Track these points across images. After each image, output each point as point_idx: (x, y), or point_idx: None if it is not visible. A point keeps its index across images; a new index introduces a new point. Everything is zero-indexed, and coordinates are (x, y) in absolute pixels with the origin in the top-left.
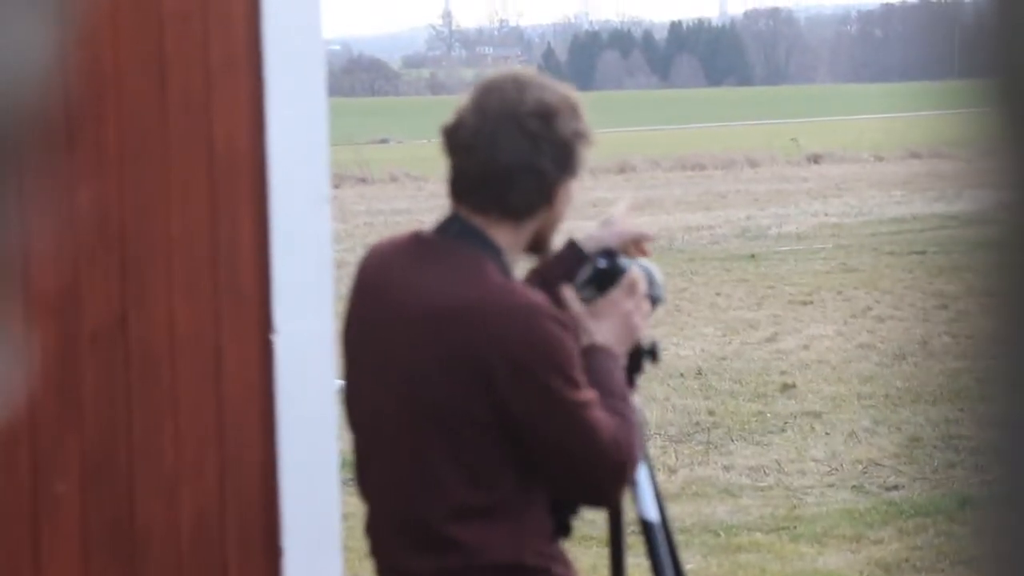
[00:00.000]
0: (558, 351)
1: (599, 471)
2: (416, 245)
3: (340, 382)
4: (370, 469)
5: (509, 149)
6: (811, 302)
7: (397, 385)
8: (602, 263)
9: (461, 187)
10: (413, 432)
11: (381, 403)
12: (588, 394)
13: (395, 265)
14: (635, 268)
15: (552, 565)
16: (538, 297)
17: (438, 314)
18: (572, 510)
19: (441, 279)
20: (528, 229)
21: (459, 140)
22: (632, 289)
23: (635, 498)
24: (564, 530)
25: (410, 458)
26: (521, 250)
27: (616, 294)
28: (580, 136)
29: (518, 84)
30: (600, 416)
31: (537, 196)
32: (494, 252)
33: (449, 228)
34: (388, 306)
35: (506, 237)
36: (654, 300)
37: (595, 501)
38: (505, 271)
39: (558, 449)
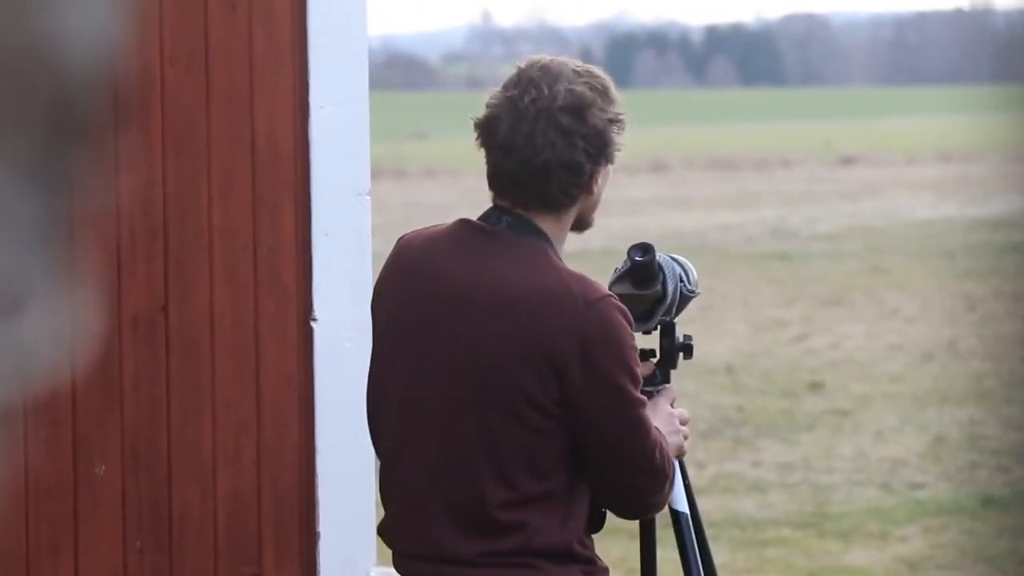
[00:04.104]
0: (626, 345)
1: (642, 472)
2: (468, 234)
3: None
4: (408, 454)
5: (546, 147)
6: (841, 302)
7: (459, 371)
8: (638, 257)
9: (501, 183)
10: (476, 418)
11: (432, 388)
12: (643, 395)
13: (446, 252)
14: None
15: (595, 557)
16: (607, 289)
17: (510, 302)
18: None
19: (508, 267)
20: (569, 218)
21: (496, 138)
22: (672, 401)
23: None
24: (597, 524)
25: (470, 444)
26: (565, 238)
27: (662, 401)
28: (613, 123)
29: (549, 76)
30: (649, 418)
31: (575, 188)
32: (547, 241)
33: (499, 219)
34: (447, 293)
35: (550, 227)
36: (689, 294)
37: (632, 504)
38: (559, 259)
39: (612, 444)
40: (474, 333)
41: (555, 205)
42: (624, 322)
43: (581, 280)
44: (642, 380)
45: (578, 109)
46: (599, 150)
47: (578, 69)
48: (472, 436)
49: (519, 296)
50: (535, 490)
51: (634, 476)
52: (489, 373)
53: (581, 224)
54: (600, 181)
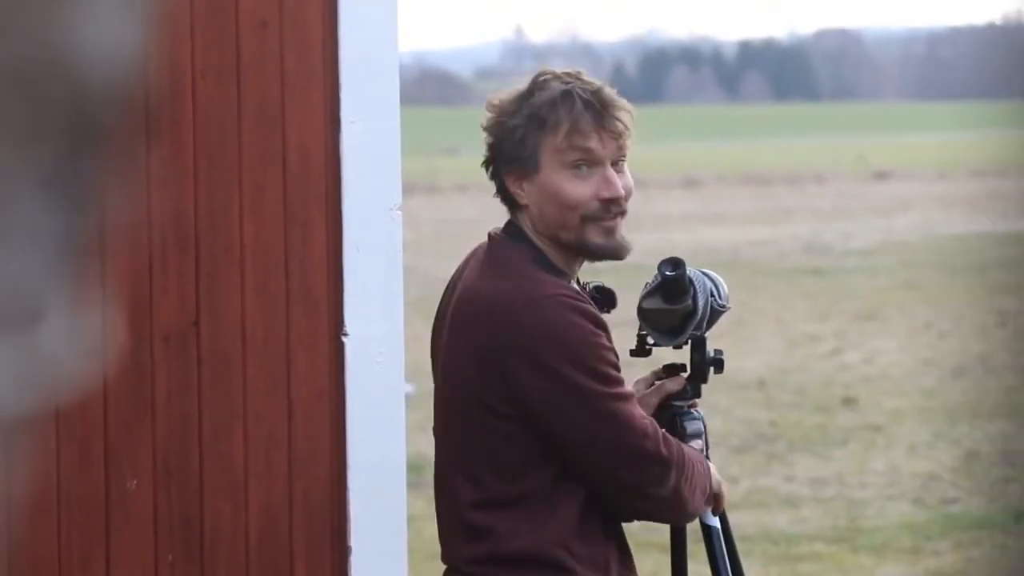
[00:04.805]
0: (577, 342)
1: (629, 465)
2: (486, 246)
3: (408, 387)
4: (435, 463)
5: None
6: (874, 317)
7: (441, 379)
8: (669, 271)
9: None
10: (452, 424)
11: (437, 399)
12: (620, 388)
13: (469, 267)
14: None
15: (579, 565)
16: (562, 289)
17: (467, 307)
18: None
19: (483, 274)
20: (526, 222)
21: None
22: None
23: None
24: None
25: (449, 449)
26: (553, 243)
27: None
28: (506, 134)
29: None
30: (636, 412)
31: (498, 188)
32: (534, 248)
33: (506, 227)
34: (450, 309)
35: (524, 228)
36: (720, 309)
37: (631, 500)
38: (549, 268)
39: (585, 441)
40: (450, 343)
41: (505, 202)
42: (578, 320)
43: (534, 282)
44: (612, 374)
45: (489, 110)
46: (493, 155)
47: (536, 81)
48: (449, 441)
49: (476, 303)
50: (507, 493)
51: (621, 470)
52: (453, 380)
53: (556, 238)
54: (517, 191)
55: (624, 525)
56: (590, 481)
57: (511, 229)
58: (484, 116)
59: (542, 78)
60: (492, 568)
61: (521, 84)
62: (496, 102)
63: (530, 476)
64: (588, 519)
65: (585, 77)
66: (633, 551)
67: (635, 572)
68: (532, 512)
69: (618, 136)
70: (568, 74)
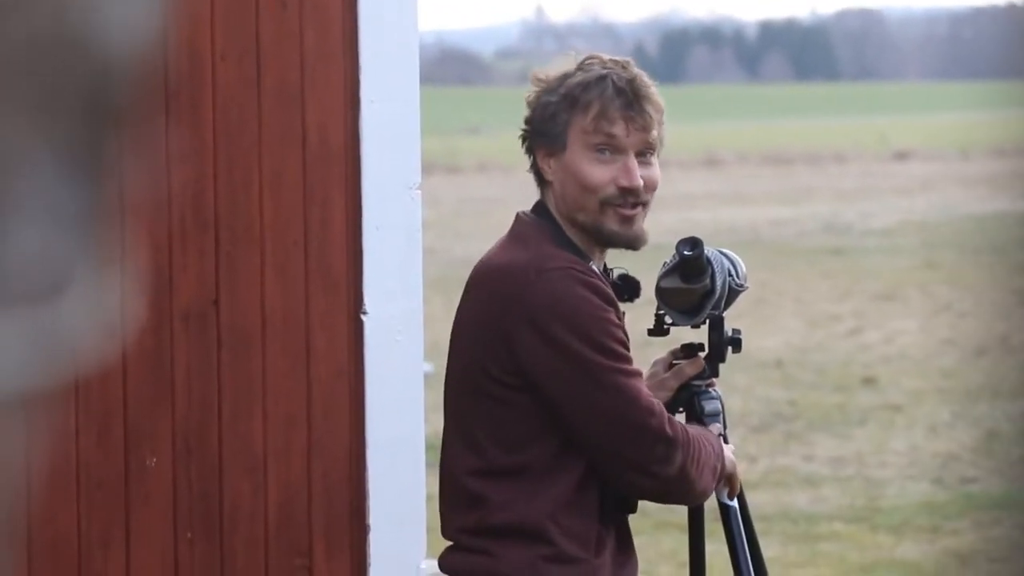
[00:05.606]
0: (584, 314)
1: (634, 441)
2: (513, 222)
3: (427, 366)
4: (442, 433)
5: None
6: (894, 297)
7: (451, 349)
8: (687, 251)
9: None
10: (457, 393)
11: (448, 371)
12: (626, 365)
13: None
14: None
15: (564, 539)
16: (573, 262)
17: (478, 278)
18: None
19: (500, 248)
20: (550, 200)
21: None
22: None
23: None
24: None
25: (454, 418)
26: (573, 221)
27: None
28: (540, 109)
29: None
30: (643, 389)
31: (531, 162)
32: (555, 226)
33: (535, 206)
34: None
35: (550, 207)
36: (738, 288)
37: (637, 477)
38: (568, 247)
39: (588, 413)
40: (461, 313)
41: (536, 177)
42: (586, 293)
43: (546, 256)
44: (618, 350)
45: (531, 86)
46: (528, 130)
47: (563, 64)
48: (455, 410)
49: (487, 274)
50: (506, 463)
51: (626, 446)
52: (459, 346)
53: (573, 220)
54: (545, 167)
55: (641, 505)
56: (595, 456)
57: (538, 208)
58: (529, 89)
59: (588, 61)
60: (483, 538)
61: (569, 64)
62: (541, 76)
63: (532, 448)
64: (585, 495)
65: (631, 68)
66: (652, 531)
67: (634, 559)
68: (531, 484)
69: (644, 128)
70: (615, 61)
